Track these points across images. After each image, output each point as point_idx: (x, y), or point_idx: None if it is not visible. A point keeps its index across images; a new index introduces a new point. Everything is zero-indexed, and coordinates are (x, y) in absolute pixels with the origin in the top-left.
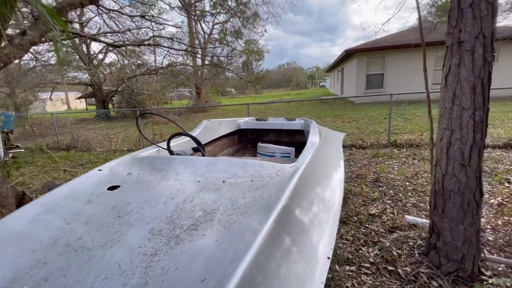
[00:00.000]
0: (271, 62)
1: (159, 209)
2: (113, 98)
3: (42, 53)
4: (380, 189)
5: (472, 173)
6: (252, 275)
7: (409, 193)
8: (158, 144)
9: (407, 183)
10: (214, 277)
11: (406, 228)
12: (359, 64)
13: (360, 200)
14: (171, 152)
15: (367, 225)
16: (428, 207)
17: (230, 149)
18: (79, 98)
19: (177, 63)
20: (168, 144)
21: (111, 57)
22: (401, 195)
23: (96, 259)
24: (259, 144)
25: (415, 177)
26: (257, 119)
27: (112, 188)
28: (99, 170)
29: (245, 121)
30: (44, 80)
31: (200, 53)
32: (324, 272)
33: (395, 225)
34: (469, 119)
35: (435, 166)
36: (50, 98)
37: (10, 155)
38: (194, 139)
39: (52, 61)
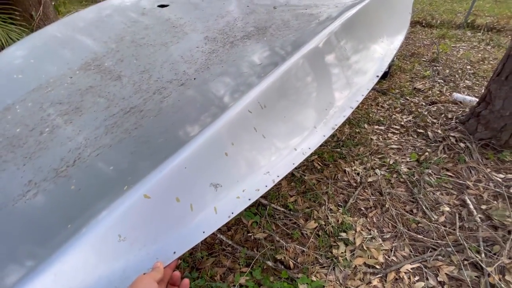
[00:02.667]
0: None
1: (211, 24)
2: None
3: None
4: (434, 68)
5: None
6: (298, 68)
7: (467, 76)
8: None
9: (469, 67)
10: (268, 66)
11: (450, 104)
12: None
13: (408, 76)
14: None
15: (408, 98)
16: (483, 91)
17: None
18: None
19: None
20: None
21: None
22: (456, 76)
23: (160, 52)
24: None
25: (481, 62)
26: None
27: (161, 6)
28: None
29: None
30: None
31: None
32: (369, 86)
33: (439, 99)
34: None
35: None
36: None
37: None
38: None
39: None
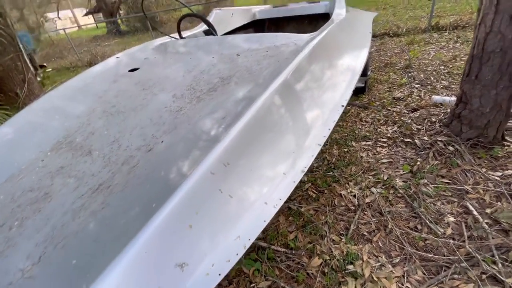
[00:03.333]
0: None
1: (179, 81)
2: (119, 9)
3: None
4: (409, 74)
5: None
6: (259, 116)
7: (442, 77)
8: (170, 35)
9: (442, 67)
10: (231, 118)
11: (431, 108)
12: None
13: (385, 87)
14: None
15: (389, 108)
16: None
17: None
18: (86, 14)
19: None
20: (178, 29)
21: None
22: (432, 79)
23: (130, 118)
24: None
25: (453, 60)
26: (274, 7)
27: (132, 70)
28: (117, 57)
29: (261, 10)
30: None
31: None
32: (340, 111)
33: (420, 105)
34: None
35: (479, 24)
36: (58, 17)
37: (41, 75)
38: (203, 19)
39: None
